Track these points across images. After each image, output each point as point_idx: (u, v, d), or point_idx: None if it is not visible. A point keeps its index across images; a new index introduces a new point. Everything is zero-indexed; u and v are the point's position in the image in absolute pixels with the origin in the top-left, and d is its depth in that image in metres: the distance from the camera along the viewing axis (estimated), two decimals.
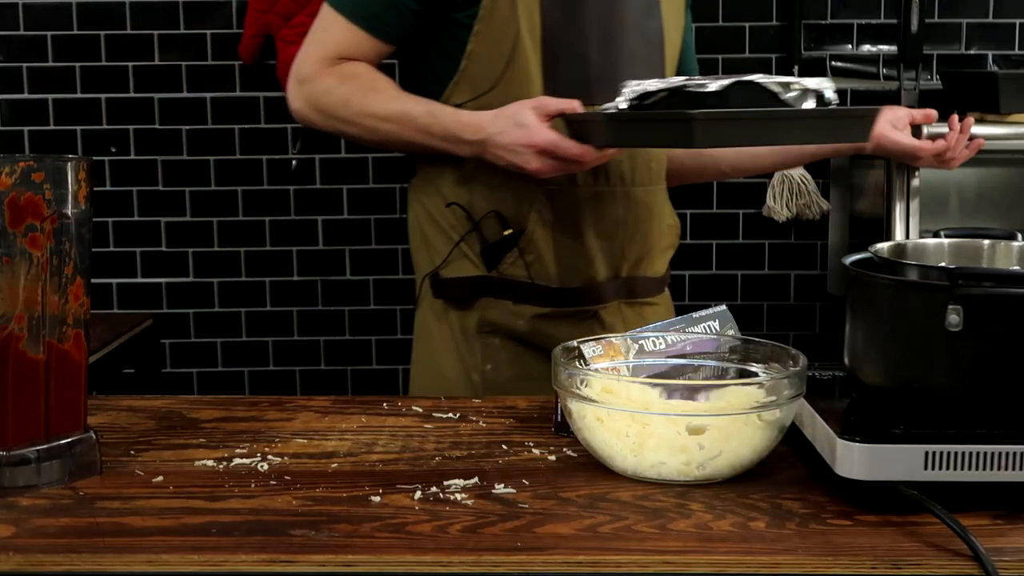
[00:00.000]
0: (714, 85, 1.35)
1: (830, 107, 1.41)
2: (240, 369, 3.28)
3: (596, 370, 1.26)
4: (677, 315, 1.51)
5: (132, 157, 3.21)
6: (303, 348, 3.27)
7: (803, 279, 3.22)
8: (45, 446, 1.13)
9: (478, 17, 1.60)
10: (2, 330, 1.09)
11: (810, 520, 1.05)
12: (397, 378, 3.27)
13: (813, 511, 1.07)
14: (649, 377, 1.29)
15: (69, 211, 1.11)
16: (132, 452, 1.25)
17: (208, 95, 3.19)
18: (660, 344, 1.33)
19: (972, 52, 3.15)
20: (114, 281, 3.25)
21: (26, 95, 3.18)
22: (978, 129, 1.95)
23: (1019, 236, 1.31)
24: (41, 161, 1.09)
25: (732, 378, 1.29)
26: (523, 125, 1.52)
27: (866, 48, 3.15)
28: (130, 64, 3.17)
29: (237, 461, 1.21)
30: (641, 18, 1.69)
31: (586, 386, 1.18)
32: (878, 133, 1.80)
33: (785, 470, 1.18)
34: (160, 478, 1.16)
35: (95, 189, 1.16)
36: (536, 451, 1.25)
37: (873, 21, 3.15)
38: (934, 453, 1.05)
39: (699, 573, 0.97)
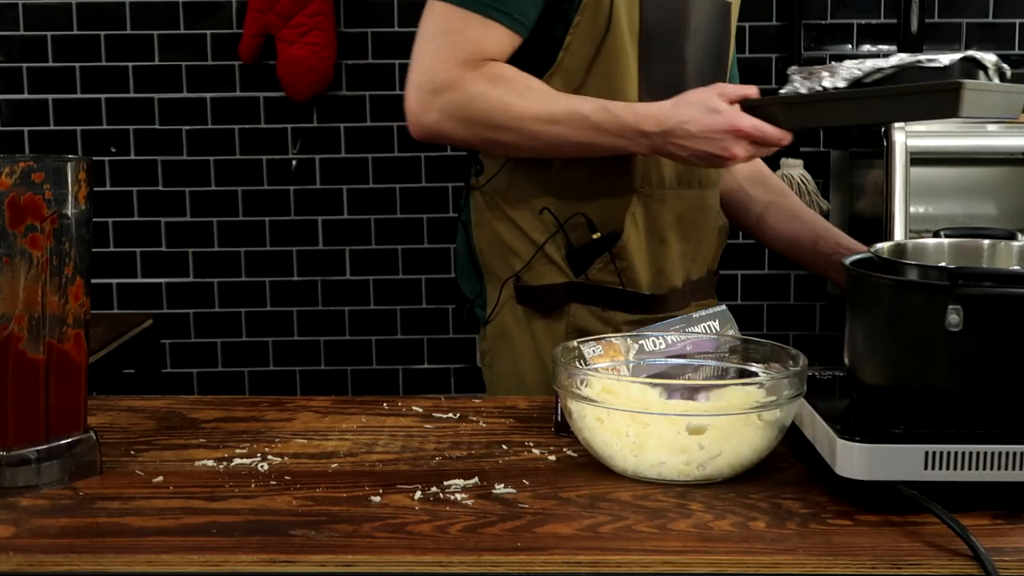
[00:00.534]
0: (945, 59, 1.38)
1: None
2: (240, 369, 3.28)
3: (596, 370, 1.26)
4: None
5: (132, 157, 3.21)
6: (303, 348, 3.27)
7: (803, 279, 3.23)
8: (45, 446, 1.13)
9: (581, 7, 1.54)
10: (2, 330, 1.09)
11: (810, 520, 1.05)
12: (397, 378, 3.27)
13: (813, 511, 1.07)
14: (649, 377, 1.29)
15: (69, 211, 1.11)
16: (132, 452, 1.25)
17: (208, 95, 3.19)
18: (660, 344, 1.33)
19: (972, 52, 3.15)
20: (114, 281, 3.25)
21: (26, 95, 3.19)
22: (978, 129, 1.95)
23: (1019, 236, 1.31)
24: (41, 161, 1.09)
25: (732, 378, 1.29)
26: (717, 111, 1.45)
27: (866, 48, 3.15)
28: (130, 64, 3.17)
29: (237, 461, 1.21)
30: (718, 19, 1.68)
31: (586, 386, 1.18)
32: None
33: (785, 470, 1.18)
34: (160, 478, 1.16)
35: (95, 189, 1.16)
36: (536, 451, 1.25)
37: (873, 21, 3.15)
38: (934, 453, 1.05)
39: (699, 573, 0.97)
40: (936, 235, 1.33)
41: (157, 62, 3.17)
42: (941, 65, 1.36)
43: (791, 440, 1.21)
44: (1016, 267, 1.27)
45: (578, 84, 1.56)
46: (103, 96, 3.19)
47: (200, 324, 3.27)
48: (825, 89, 1.43)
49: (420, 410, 1.41)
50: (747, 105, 1.47)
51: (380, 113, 3.18)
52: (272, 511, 1.08)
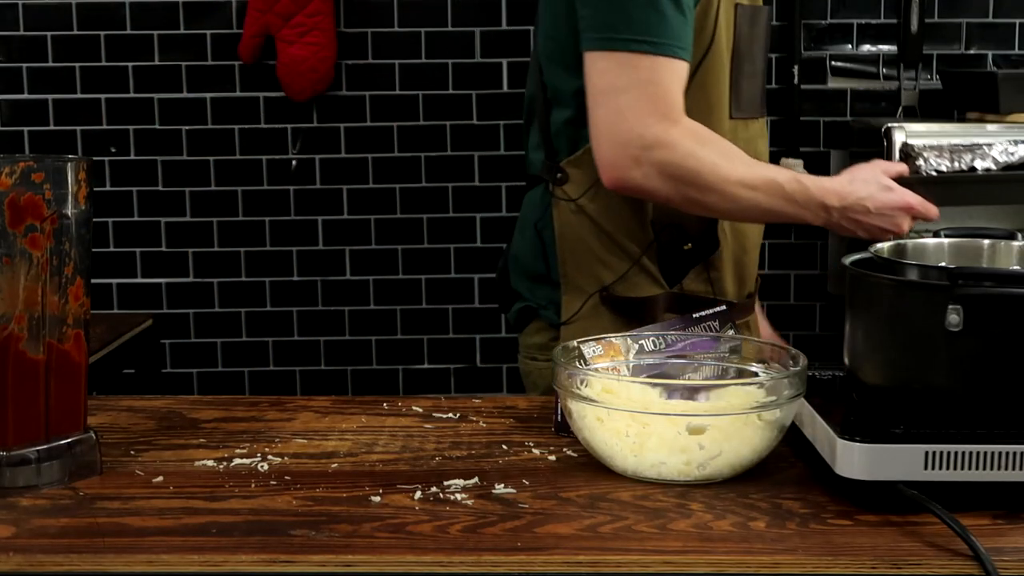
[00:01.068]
0: None
1: None
2: (240, 369, 3.28)
3: (596, 370, 1.26)
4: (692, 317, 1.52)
5: (132, 157, 3.21)
6: (303, 348, 3.27)
7: (803, 279, 3.22)
8: (45, 446, 1.13)
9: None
10: (2, 330, 1.09)
11: (810, 520, 1.05)
12: (397, 378, 3.27)
13: (813, 511, 1.07)
14: (649, 377, 1.29)
15: (69, 211, 1.11)
16: (132, 452, 1.25)
17: (208, 95, 3.18)
18: (660, 344, 1.33)
19: (972, 52, 3.15)
20: (114, 281, 3.25)
21: (26, 95, 3.18)
22: (978, 129, 1.96)
23: (1019, 236, 1.31)
24: (41, 161, 1.09)
25: (732, 378, 1.29)
26: (891, 188, 1.53)
27: (866, 48, 3.15)
28: (130, 64, 3.17)
29: (237, 461, 1.21)
30: (767, 27, 1.71)
31: (586, 386, 1.18)
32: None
33: (785, 470, 1.18)
34: (160, 478, 1.16)
35: (95, 189, 1.16)
36: (536, 451, 1.25)
37: (873, 21, 3.15)
38: (934, 453, 1.05)
39: (699, 573, 0.97)
40: (936, 235, 1.33)
41: (157, 62, 3.17)
42: None
43: (791, 440, 1.21)
44: (1016, 267, 1.27)
45: None
46: (103, 96, 3.19)
47: (200, 324, 3.27)
48: (974, 170, 1.49)
49: (420, 410, 1.41)
50: (901, 182, 1.55)
51: (380, 113, 3.17)
52: (272, 511, 1.08)
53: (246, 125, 3.19)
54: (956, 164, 1.52)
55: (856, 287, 1.17)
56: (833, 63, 3.16)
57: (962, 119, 2.91)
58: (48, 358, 1.12)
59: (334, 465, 1.21)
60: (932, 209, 1.55)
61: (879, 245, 1.25)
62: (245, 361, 3.28)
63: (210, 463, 1.21)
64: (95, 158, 3.14)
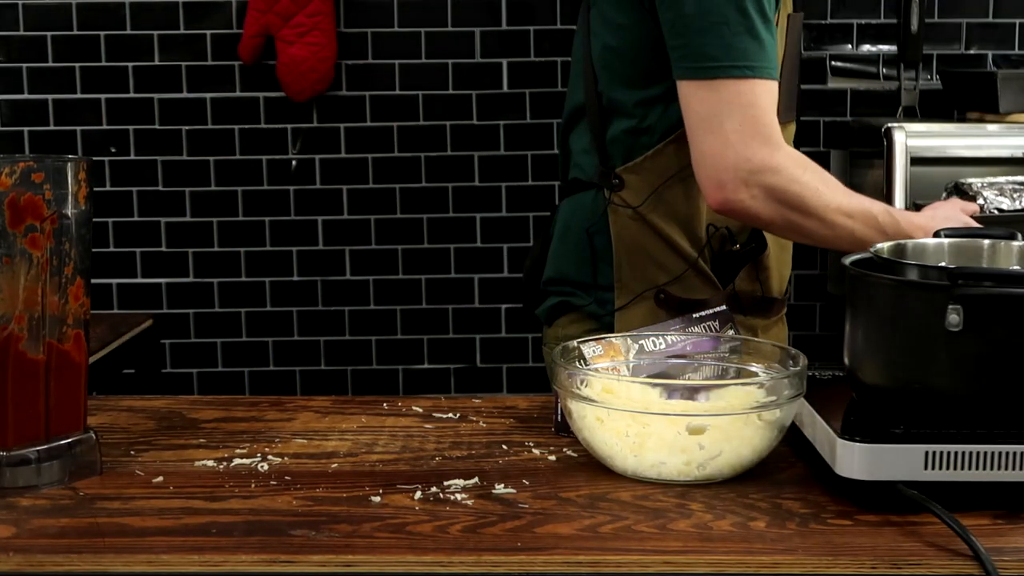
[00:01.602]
0: None
1: None
2: (240, 369, 3.28)
3: (596, 370, 1.26)
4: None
5: (132, 157, 3.21)
6: (303, 348, 3.27)
7: (803, 279, 3.22)
8: (45, 446, 1.13)
9: None
10: (2, 330, 1.09)
11: (810, 520, 1.05)
12: (397, 378, 3.27)
13: (813, 511, 1.07)
14: (649, 377, 1.29)
15: (69, 211, 1.11)
16: (132, 452, 1.25)
17: (208, 95, 3.18)
18: (660, 344, 1.33)
19: (972, 52, 3.15)
20: (114, 281, 3.25)
21: (26, 95, 3.18)
22: (978, 129, 1.98)
23: (1019, 236, 1.31)
24: (41, 161, 1.09)
25: (732, 378, 1.29)
26: (969, 225, 1.57)
27: (866, 48, 3.15)
28: (130, 64, 3.17)
29: (237, 461, 1.21)
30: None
31: (586, 386, 1.18)
32: None
33: (785, 470, 1.19)
34: (160, 478, 1.16)
35: (95, 189, 1.16)
36: (536, 451, 1.25)
37: (873, 21, 3.15)
38: (934, 453, 1.05)
39: (699, 573, 0.97)
40: (936, 235, 1.33)
41: (157, 62, 3.17)
42: None
43: (791, 440, 1.21)
44: (1016, 267, 1.27)
45: None
46: (103, 96, 3.19)
47: (200, 324, 3.26)
48: None
49: (420, 410, 1.41)
50: (976, 219, 1.61)
51: (380, 113, 3.17)
52: (272, 511, 1.08)
53: (246, 125, 3.19)
54: (1017, 203, 1.58)
55: (856, 287, 1.17)
56: (833, 63, 3.16)
57: (962, 119, 2.92)
58: (48, 358, 1.12)
59: (334, 465, 1.21)
60: None
61: (879, 245, 1.25)
62: (245, 361, 3.28)
63: (210, 463, 1.21)
64: (95, 158, 3.14)
